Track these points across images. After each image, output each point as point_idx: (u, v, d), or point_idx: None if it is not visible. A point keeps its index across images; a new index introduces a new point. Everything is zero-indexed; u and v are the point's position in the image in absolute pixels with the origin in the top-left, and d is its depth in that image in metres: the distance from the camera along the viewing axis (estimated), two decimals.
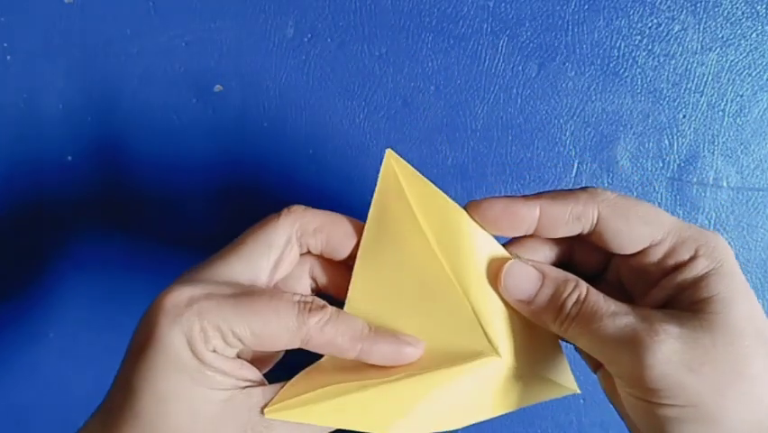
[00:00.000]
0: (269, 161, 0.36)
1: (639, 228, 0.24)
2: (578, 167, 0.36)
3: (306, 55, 0.36)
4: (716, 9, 0.35)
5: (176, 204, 0.37)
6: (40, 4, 0.36)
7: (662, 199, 0.36)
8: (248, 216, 0.37)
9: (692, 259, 0.23)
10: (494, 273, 0.25)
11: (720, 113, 0.36)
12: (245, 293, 0.23)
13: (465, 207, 0.25)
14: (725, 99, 0.35)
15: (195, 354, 0.22)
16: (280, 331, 0.23)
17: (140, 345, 0.23)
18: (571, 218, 0.24)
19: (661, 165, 0.36)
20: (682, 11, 0.35)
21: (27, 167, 0.37)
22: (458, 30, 0.36)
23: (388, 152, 0.25)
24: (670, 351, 0.21)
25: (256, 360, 0.25)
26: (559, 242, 0.26)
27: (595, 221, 0.24)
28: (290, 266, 0.26)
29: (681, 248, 0.24)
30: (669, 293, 0.24)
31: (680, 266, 0.23)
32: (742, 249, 0.37)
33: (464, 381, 0.25)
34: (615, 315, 0.23)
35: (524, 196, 0.25)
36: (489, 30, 0.35)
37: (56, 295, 0.38)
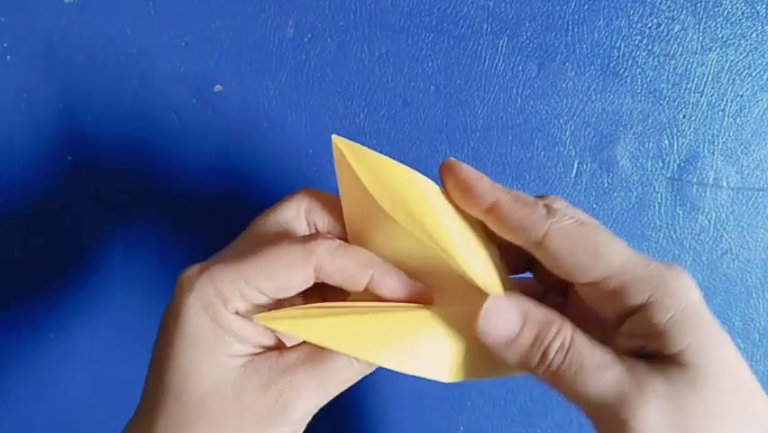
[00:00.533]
0: (269, 161, 0.36)
1: (584, 261, 0.23)
2: (578, 167, 0.36)
3: (306, 55, 0.36)
4: (716, 9, 0.35)
5: (176, 204, 0.37)
6: (40, 4, 0.36)
7: (662, 199, 0.36)
8: (248, 215, 0.37)
9: (647, 304, 0.22)
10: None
11: (720, 113, 0.36)
12: (252, 249, 0.24)
13: (442, 164, 0.25)
14: (725, 99, 0.35)
15: (214, 319, 0.22)
16: (292, 264, 0.23)
17: (164, 323, 0.24)
18: (519, 226, 0.23)
19: (661, 165, 0.36)
20: (682, 11, 0.35)
21: (27, 167, 0.37)
22: (458, 30, 0.36)
23: (334, 138, 0.24)
24: (658, 414, 0.20)
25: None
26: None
27: (540, 239, 0.23)
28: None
29: (632, 290, 0.22)
30: (638, 343, 0.22)
31: (635, 310, 0.22)
32: (742, 249, 0.37)
33: (464, 328, 0.24)
34: (602, 368, 0.21)
35: (494, 183, 0.24)
36: (489, 30, 0.35)
37: (56, 295, 0.38)
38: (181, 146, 0.36)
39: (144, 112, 0.36)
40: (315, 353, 0.23)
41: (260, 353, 0.23)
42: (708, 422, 0.21)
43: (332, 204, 0.26)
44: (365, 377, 0.37)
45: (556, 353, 0.22)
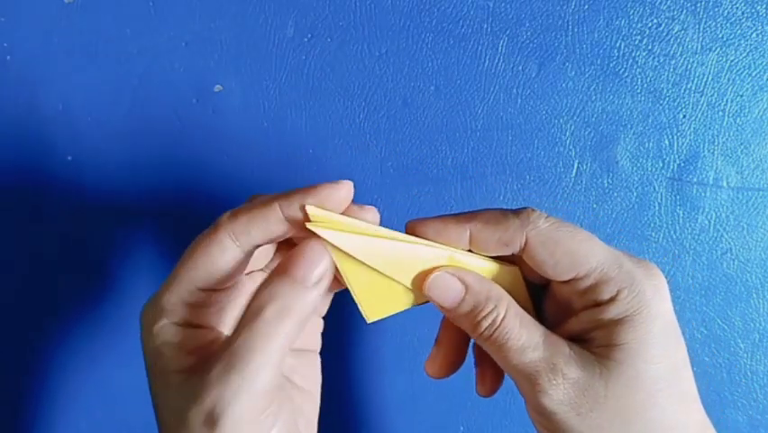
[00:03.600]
0: (269, 160, 0.36)
1: (563, 260, 0.24)
2: (578, 167, 0.36)
3: (306, 55, 0.36)
4: (716, 9, 0.35)
5: (176, 204, 0.37)
6: (40, 4, 0.36)
7: (662, 199, 0.36)
8: None
9: (611, 300, 0.24)
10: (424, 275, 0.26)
11: (720, 113, 0.36)
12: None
13: (406, 227, 0.26)
14: (725, 99, 0.35)
15: (163, 339, 0.24)
16: (204, 245, 0.24)
17: None
18: (499, 244, 0.25)
19: (661, 165, 0.36)
20: (682, 11, 0.35)
21: (27, 167, 0.37)
22: (458, 30, 0.36)
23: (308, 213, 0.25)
24: (562, 395, 0.23)
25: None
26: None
27: (522, 247, 0.25)
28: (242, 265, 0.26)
29: (604, 287, 0.24)
30: (585, 327, 0.25)
31: (599, 304, 0.24)
32: (742, 249, 0.37)
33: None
34: (523, 349, 0.24)
35: (456, 217, 0.26)
36: (489, 30, 0.35)
37: (55, 295, 0.38)
38: (181, 146, 0.36)
39: (144, 112, 0.36)
40: (229, 358, 0.22)
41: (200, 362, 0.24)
42: (610, 411, 0.23)
43: (250, 224, 0.25)
44: (364, 377, 0.36)
45: (487, 327, 0.25)
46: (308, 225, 0.24)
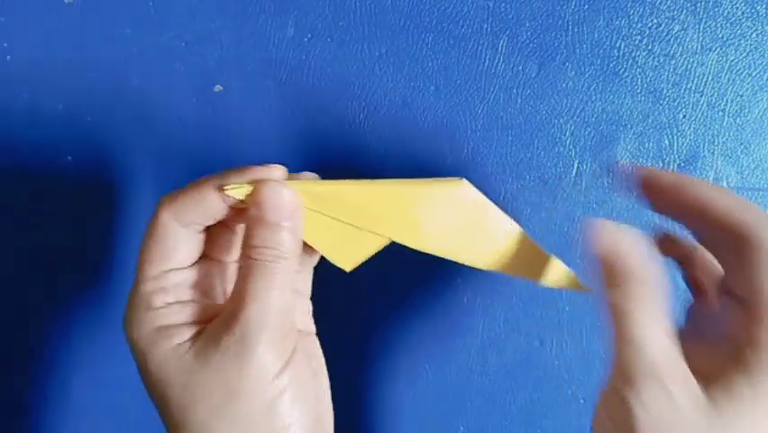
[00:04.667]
0: (268, 161, 0.36)
1: None
2: (578, 167, 0.36)
3: (306, 55, 0.36)
4: (716, 9, 0.35)
5: None
6: (40, 4, 0.36)
7: None
8: None
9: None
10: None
11: (720, 113, 0.36)
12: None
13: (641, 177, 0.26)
14: (725, 99, 0.35)
15: (153, 325, 0.25)
16: (152, 229, 0.26)
17: None
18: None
19: (661, 165, 0.36)
20: (682, 11, 0.35)
21: (27, 167, 0.37)
22: (458, 30, 0.36)
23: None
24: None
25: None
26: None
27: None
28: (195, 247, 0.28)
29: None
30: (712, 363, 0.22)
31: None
32: None
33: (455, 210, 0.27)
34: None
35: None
36: (489, 30, 0.35)
37: (55, 295, 0.38)
38: (181, 146, 0.36)
39: (144, 112, 0.36)
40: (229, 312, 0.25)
41: (199, 331, 0.25)
42: None
43: (188, 206, 0.26)
44: (363, 377, 0.36)
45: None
46: (230, 192, 0.26)
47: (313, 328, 0.31)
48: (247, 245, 0.25)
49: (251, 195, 0.26)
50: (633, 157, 0.36)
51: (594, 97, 0.36)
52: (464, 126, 0.36)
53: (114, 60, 0.36)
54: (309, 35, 0.36)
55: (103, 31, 0.36)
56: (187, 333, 0.25)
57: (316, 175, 0.28)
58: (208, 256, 0.28)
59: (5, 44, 0.36)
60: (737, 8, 0.35)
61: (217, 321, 0.25)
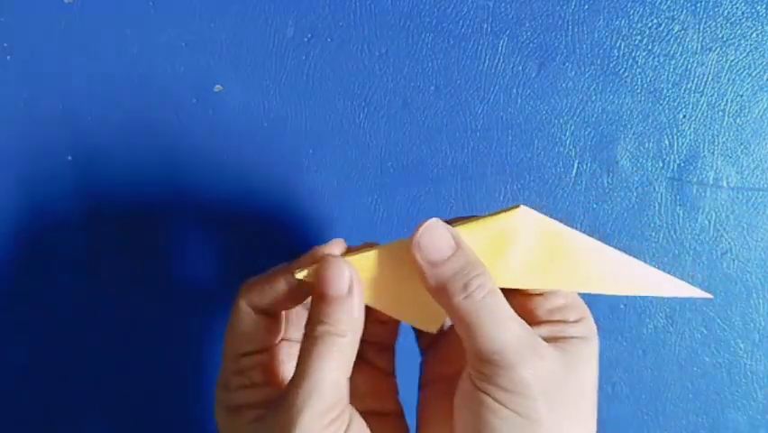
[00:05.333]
0: (269, 161, 0.36)
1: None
2: (578, 167, 0.36)
3: (306, 55, 0.36)
4: (716, 9, 0.35)
5: (175, 203, 0.37)
6: (40, 4, 0.36)
7: (662, 199, 0.36)
8: (248, 215, 0.37)
9: (576, 322, 0.26)
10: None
11: (720, 113, 0.36)
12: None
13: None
14: (725, 99, 0.35)
15: (227, 407, 0.27)
16: (234, 322, 0.27)
17: None
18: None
19: (661, 165, 0.36)
20: (682, 11, 0.35)
21: (27, 167, 0.37)
22: (458, 30, 0.36)
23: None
24: (541, 372, 0.24)
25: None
26: None
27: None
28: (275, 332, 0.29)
29: (572, 310, 0.27)
30: (548, 335, 0.26)
31: (564, 322, 0.26)
32: (742, 249, 0.37)
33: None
34: (512, 320, 0.24)
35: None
36: (489, 30, 0.35)
37: (55, 295, 0.38)
38: (181, 146, 0.36)
39: (144, 112, 0.36)
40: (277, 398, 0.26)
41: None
42: (562, 399, 0.25)
43: (266, 283, 0.27)
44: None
45: (476, 288, 0.24)
46: (297, 274, 0.26)
47: (395, 408, 0.30)
48: (307, 322, 0.25)
49: (313, 273, 0.26)
50: (633, 157, 0.36)
51: (594, 97, 0.36)
52: (464, 126, 0.36)
53: (114, 60, 0.36)
54: (309, 35, 0.36)
55: (103, 31, 0.36)
56: (257, 413, 0.26)
57: (375, 242, 0.27)
58: (291, 339, 0.29)
59: (5, 44, 0.36)
60: (737, 8, 0.35)
61: (277, 398, 0.25)
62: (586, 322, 0.27)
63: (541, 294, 0.27)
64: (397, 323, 0.29)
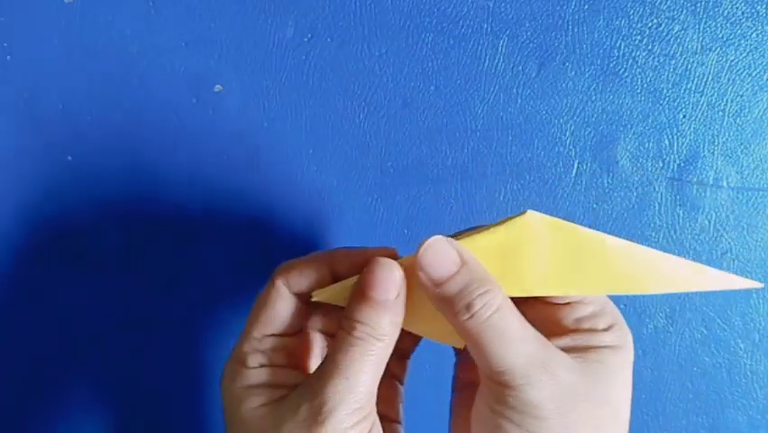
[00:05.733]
0: (269, 160, 0.36)
1: None
2: (578, 167, 0.36)
3: (306, 55, 0.36)
4: (716, 9, 0.35)
5: (175, 204, 0.37)
6: (40, 4, 0.36)
7: (662, 199, 0.36)
8: (247, 215, 0.37)
9: (606, 330, 0.26)
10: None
11: (720, 113, 0.36)
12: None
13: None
14: (725, 99, 0.35)
15: (241, 384, 0.26)
16: (265, 297, 0.27)
17: None
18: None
19: (661, 165, 0.36)
20: (682, 11, 0.35)
21: (27, 167, 0.37)
22: (458, 30, 0.36)
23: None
24: (550, 392, 0.23)
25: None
26: None
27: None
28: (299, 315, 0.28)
29: (601, 318, 0.26)
30: (577, 345, 0.25)
31: (593, 330, 0.26)
32: (742, 249, 0.37)
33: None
34: (521, 339, 0.24)
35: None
36: (489, 30, 0.35)
37: (55, 295, 0.38)
38: (181, 146, 0.36)
39: (144, 112, 0.36)
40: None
41: (286, 394, 0.26)
42: (583, 419, 0.24)
43: (307, 267, 0.27)
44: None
45: (481, 308, 0.23)
46: (315, 297, 0.26)
47: (399, 417, 0.30)
48: (347, 318, 0.25)
49: (361, 276, 0.25)
50: (633, 157, 0.36)
51: (594, 97, 0.36)
52: (464, 126, 0.36)
53: (114, 60, 0.36)
54: (309, 35, 0.36)
55: (103, 31, 0.36)
56: (275, 394, 0.25)
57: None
58: (316, 329, 0.29)
59: (5, 44, 0.36)
60: (737, 8, 0.35)
61: (302, 387, 0.25)
62: (617, 330, 0.26)
63: (568, 303, 0.26)
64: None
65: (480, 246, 0.25)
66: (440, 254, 0.24)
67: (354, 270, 0.26)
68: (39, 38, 0.36)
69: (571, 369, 0.24)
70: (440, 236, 0.24)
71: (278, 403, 0.25)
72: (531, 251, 0.24)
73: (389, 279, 0.24)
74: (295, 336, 0.28)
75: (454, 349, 0.30)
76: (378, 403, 0.27)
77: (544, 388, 0.23)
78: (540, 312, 0.26)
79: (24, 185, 0.37)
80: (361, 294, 0.25)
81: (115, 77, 0.36)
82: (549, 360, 0.24)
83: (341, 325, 0.25)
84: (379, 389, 0.27)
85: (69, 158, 0.37)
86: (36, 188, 0.37)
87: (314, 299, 0.26)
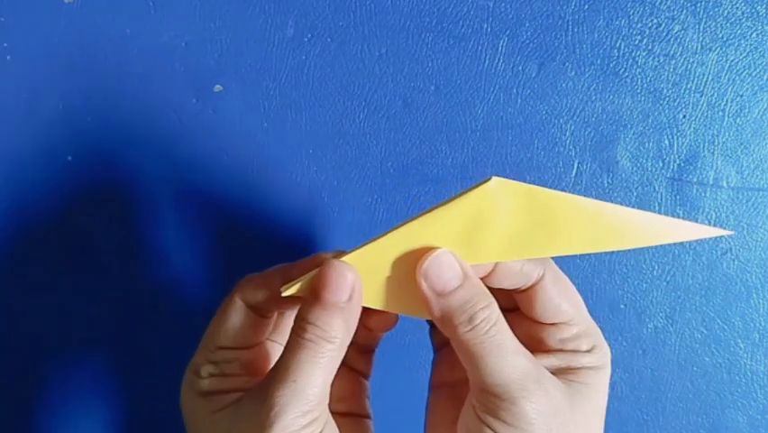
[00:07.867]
0: (269, 161, 0.36)
1: (565, 304, 0.26)
2: (578, 167, 0.36)
3: (306, 55, 0.36)
4: (716, 9, 0.35)
5: (175, 203, 0.37)
6: (40, 4, 0.36)
7: (662, 199, 0.36)
8: (247, 215, 0.37)
9: (588, 352, 0.26)
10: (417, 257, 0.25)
11: (720, 113, 0.36)
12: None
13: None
14: (725, 99, 0.35)
15: (196, 392, 0.27)
16: (222, 311, 0.27)
17: None
18: (521, 271, 0.25)
19: (661, 165, 0.36)
20: (682, 11, 0.35)
21: (27, 167, 0.37)
22: (458, 30, 0.36)
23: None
24: (544, 406, 0.24)
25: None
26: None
27: (536, 281, 0.26)
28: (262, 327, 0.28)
29: (584, 339, 0.26)
30: (559, 365, 0.26)
31: (576, 351, 0.26)
32: (742, 249, 0.37)
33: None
34: (516, 352, 0.24)
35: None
36: (489, 30, 0.35)
37: (55, 295, 0.38)
38: (181, 146, 0.36)
39: (144, 112, 0.36)
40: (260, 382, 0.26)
41: (239, 399, 0.26)
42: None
43: (262, 279, 0.27)
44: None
45: (482, 321, 0.24)
46: (284, 292, 0.25)
47: (366, 412, 0.30)
48: (298, 319, 0.25)
49: (311, 280, 0.25)
50: (633, 157, 0.36)
51: (594, 97, 0.36)
52: (464, 126, 0.36)
53: (114, 60, 0.36)
54: (309, 35, 0.36)
55: (103, 31, 0.36)
56: (228, 400, 0.26)
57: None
58: (275, 341, 0.29)
59: (5, 44, 0.36)
60: (737, 8, 0.35)
61: (254, 392, 0.25)
62: (599, 351, 0.26)
63: (553, 324, 0.26)
64: (382, 329, 0.29)
65: (444, 218, 0.25)
66: (445, 267, 0.24)
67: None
68: (39, 38, 0.36)
69: (559, 388, 0.25)
70: (445, 249, 0.25)
71: (230, 409, 0.26)
72: (495, 217, 0.24)
73: (340, 280, 0.24)
74: (251, 349, 0.28)
75: (433, 346, 0.30)
76: (342, 400, 0.28)
77: (538, 403, 0.24)
78: (526, 330, 0.27)
79: (24, 185, 0.37)
80: (312, 295, 0.25)
81: (115, 77, 0.36)
82: (541, 376, 0.24)
83: (293, 326, 0.25)
84: (343, 386, 0.27)
85: (69, 158, 0.37)
86: (36, 188, 0.37)
87: (283, 294, 0.25)
